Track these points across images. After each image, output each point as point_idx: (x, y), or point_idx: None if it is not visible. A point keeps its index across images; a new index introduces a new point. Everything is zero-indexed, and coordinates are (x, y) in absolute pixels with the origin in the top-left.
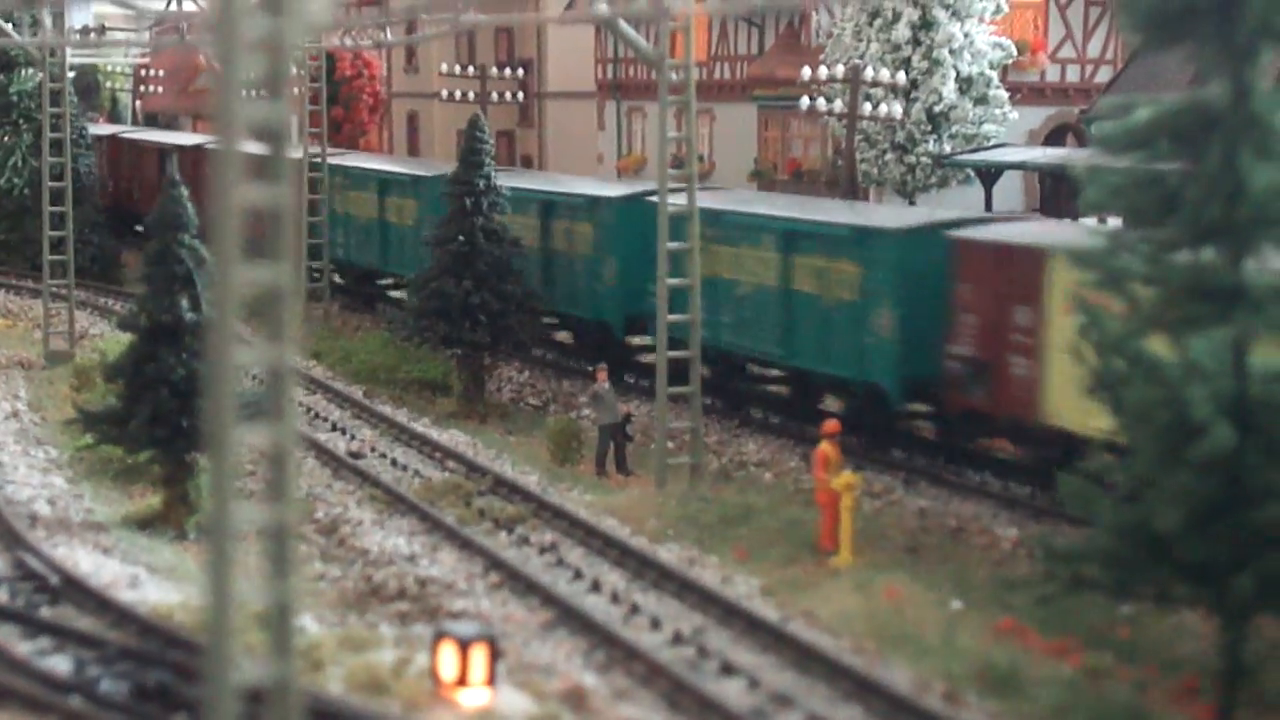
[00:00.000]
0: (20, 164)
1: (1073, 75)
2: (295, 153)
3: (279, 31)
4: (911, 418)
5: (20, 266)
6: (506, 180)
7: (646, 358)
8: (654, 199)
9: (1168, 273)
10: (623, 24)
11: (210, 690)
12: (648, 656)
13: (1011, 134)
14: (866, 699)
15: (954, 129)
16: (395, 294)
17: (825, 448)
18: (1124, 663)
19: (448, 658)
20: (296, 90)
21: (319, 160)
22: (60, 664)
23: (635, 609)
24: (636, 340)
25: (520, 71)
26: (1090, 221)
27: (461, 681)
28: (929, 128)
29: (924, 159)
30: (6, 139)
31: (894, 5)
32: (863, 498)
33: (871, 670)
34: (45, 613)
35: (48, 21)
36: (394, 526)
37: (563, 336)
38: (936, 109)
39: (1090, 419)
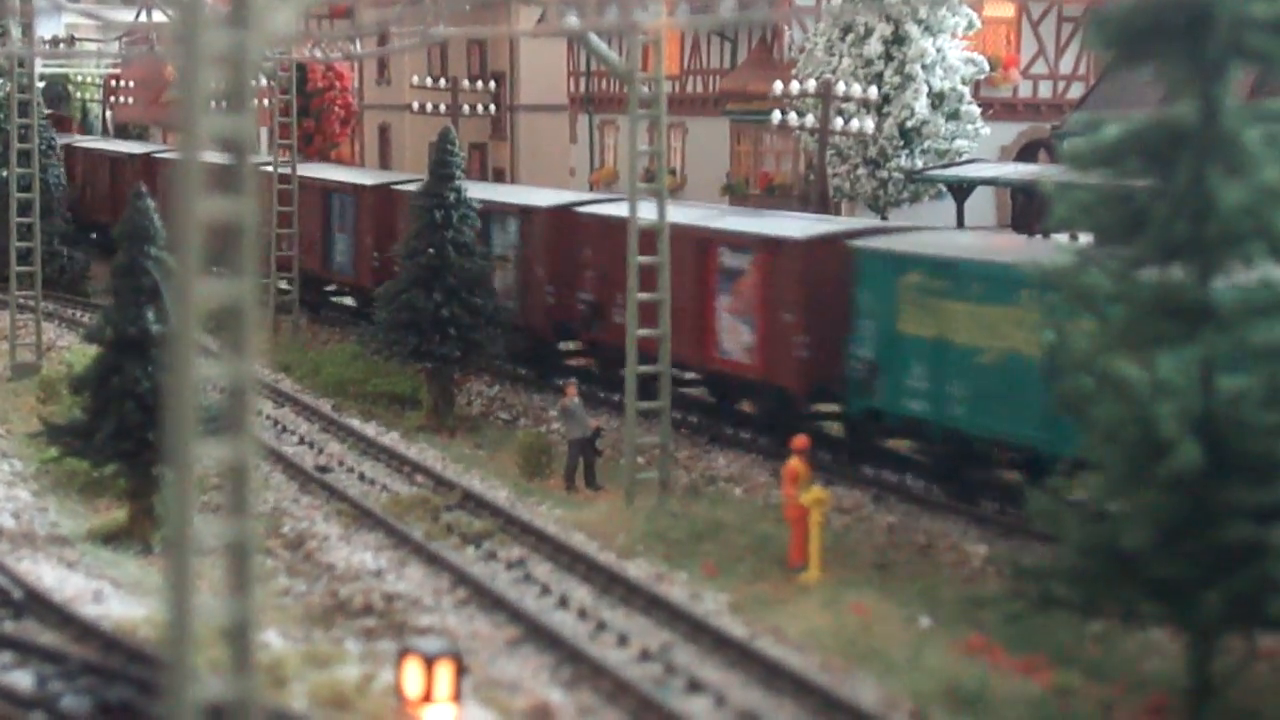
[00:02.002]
0: None
1: (1045, 91)
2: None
3: (242, 45)
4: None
5: None
6: (873, 241)
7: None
8: None
9: (1136, 290)
10: (593, 38)
11: (170, 706)
12: (614, 673)
13: (983, 149)
14: (834, 717)
15: (926, 144)
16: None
17: (795, 463)
18: (1092, 680)
19: (413, 674)
20: (267, 102)
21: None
22: (22, 679)
23: (602, 625)
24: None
25: (492, 84)
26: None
27: (426, 698)
28: (901, 143)
29: (896, 174)
30: None
31: (866, 20)
32: (832, 514)
33: (839, 688)
34: (8, 627)
35: (15, 33)
36: (361, 541)
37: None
38: (908, 124)
39: None
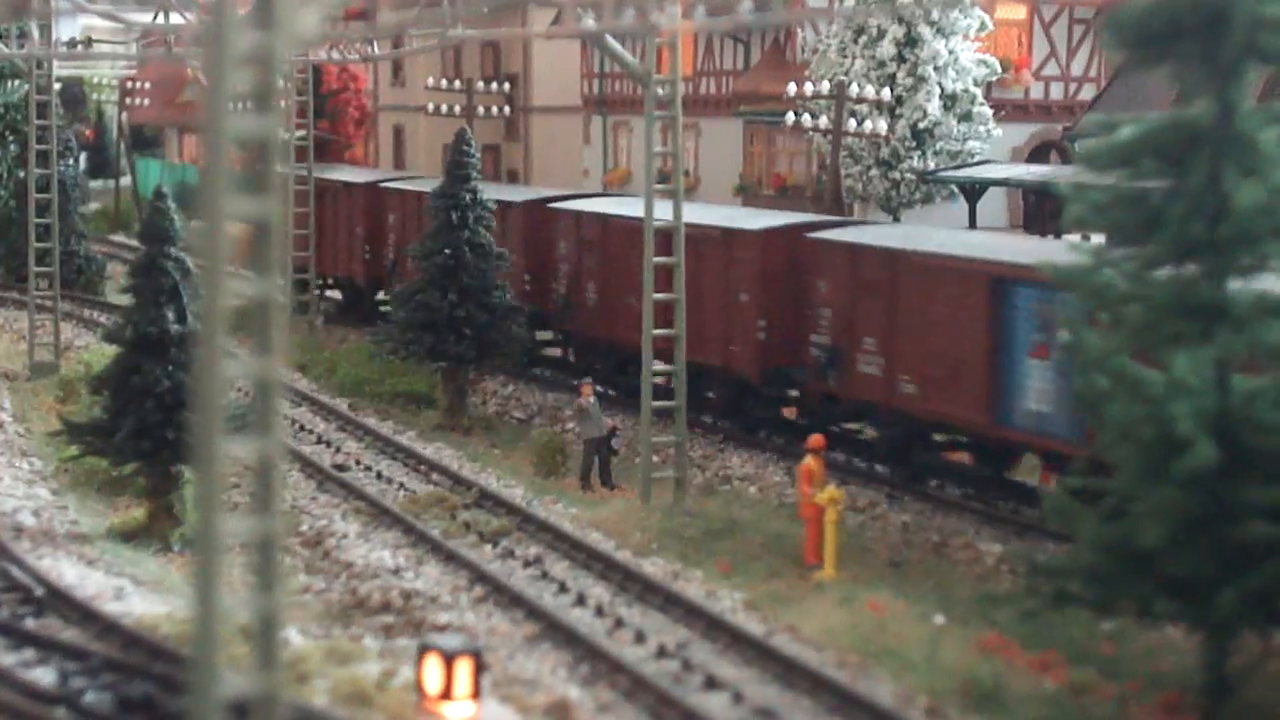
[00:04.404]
0: (5, 176)
1: (1056, 92)
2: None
3: (268, 45)
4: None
5: (5, 278)
6: None
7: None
8: None
9: (1151, 290)
10: (609, 39)
11: (195, 702)
12: (632, 670)
13: (995, 151)
14: (850, 713)
15: (938, 145)
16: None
17: (810, 462)
18: (1107, 678)
19: (432, 671)
20: (283, 103)
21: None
22: (45, 676)
23: (620, 622)
24: None
25: (506, 85)
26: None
27: (446, 695)
28: (913, 144)
29: (908, 175)
30: None
31: (879, 22)
32: (847, 512)
33: (855, 684)
34: (30, 624)
35: (35, 34)
36: (379, 539)
37: None
38: (921, 125)
39: None
